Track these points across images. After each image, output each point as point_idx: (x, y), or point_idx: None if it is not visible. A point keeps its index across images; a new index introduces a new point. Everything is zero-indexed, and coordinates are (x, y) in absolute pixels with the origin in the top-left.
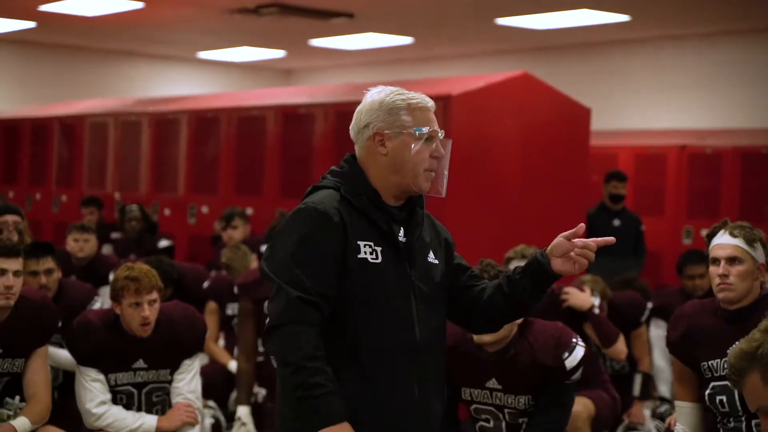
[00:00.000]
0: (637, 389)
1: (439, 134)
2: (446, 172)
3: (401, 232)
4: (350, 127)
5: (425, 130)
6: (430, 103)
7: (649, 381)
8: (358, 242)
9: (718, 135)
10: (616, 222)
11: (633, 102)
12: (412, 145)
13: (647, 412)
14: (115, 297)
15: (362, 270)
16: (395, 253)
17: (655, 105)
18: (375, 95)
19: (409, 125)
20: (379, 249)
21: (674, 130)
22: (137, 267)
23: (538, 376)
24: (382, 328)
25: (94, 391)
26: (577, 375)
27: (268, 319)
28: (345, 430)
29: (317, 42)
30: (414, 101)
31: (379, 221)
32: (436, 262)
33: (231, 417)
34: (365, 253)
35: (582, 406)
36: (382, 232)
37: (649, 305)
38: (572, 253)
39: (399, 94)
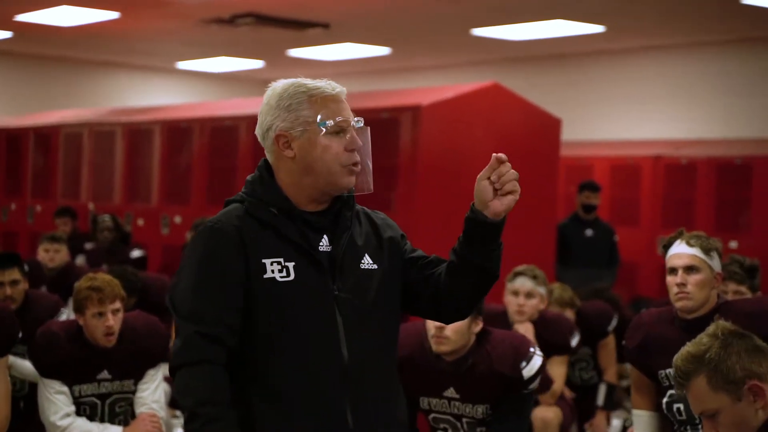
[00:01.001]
0: (601, 399)
1: (353, 123)
2: (370, 164)
3: (324, 241)
4: (255, 131)
5: (330, 122)
6: (338, 89)
7: (613, 391)
8: (263, 260)
9: (693, 145)
10: (589, 232)
11: (608, 112)
12: (320, 142)
13: (617, 423)
14: (78, 308)
15: (271, 291)
16: (314, 266)
17: (631, 115)
18: (273, 91)
19: (312, 120)
20: (291, 264)
21: (649, 141)
22: (99, 277)
23: (496, 386)
24: (301, 354)
25: (58, 404)
26: (534, 384)
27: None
28: None
29: (295, 52)
30: (316, 91)
31: (289, 233)
32: (374, 267)
33: None
34: (272, 271)
35: (553, 413)
36: (294, 244)
37: (616, 316)
38: (497, 187)
39: (298, 87)
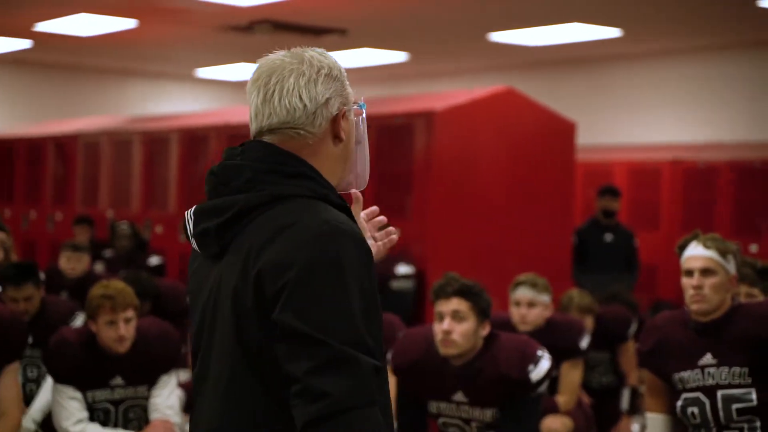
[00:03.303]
0: (624, 404)
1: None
2: None
3: None
4: (281, 108)
5: (365, 107)
6: None
7: (636, 395)
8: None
9: (712, 149)
10: (609, 237)
11: (627, 116)
12: (360, 127)
13: (636, 427)
14: (91, 315)
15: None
16: None
17: (649, 119)
18: (320, 65)
19: (352, 98)
20: None
21: (668, 145)
22: (113, 284)
23: (503, 389)
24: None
25: (70, 410)
26: (542, 388)
27: (315, 402)
28: None
29: None
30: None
31: None
32: None
33: None
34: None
35: (561, 423)
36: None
37: (635, 320)
38: (377, 237)
39: (332, 58)
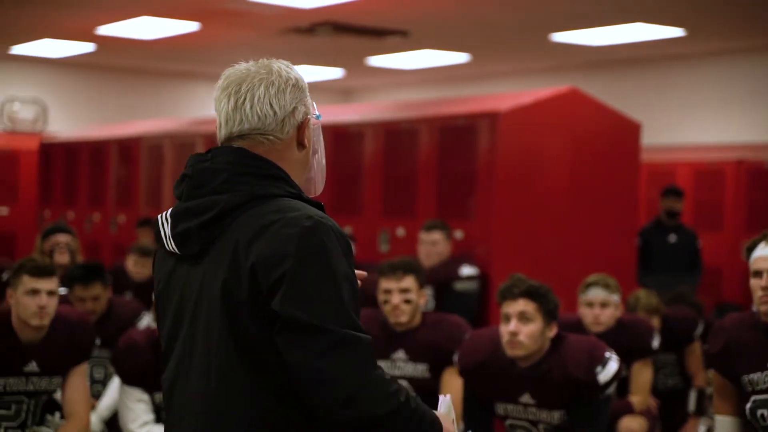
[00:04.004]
0: (692, 405)
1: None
2: None
3: None
4: (252, 115)
5: (320, 118)
6: None
7: (703, 397)
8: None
9: None
10: (672, 238)
11: (690, 116)
12: (316, 135)
13: (702, 429)
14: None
15: None
16: None
17: (713, 119)
18: (288, 76)
19: (312, 108)
20: None
21: (732, 145)
22: None
23: (571, 391)
24: None
25: (137, 412)
26: (610, 390)
27: (331, 388)
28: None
29: (374, 60)
30: None
31: None
32: None
33: None
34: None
35: (638, 423)
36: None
37: (702, 321)
38: None
39: (295, 69)
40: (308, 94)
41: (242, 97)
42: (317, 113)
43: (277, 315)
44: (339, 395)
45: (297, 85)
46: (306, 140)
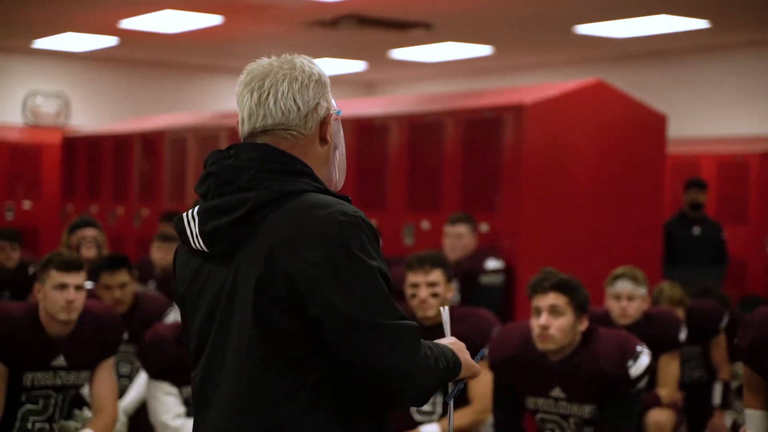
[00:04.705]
0: (717, 398)
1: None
2: None
3: None
4: (276, 110)
5: (340, 114)
6: None
7: (729, 390)
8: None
9: None
10: (696, 230)
11: (714, 108)
12: (339, 131)
13: (728, 422)
14: None
15: None
16: None
17: (737, 111)
18: (311, 72)
19: (334, 104)
20: None
21: (757, 137)
22: None
23: (602, 385)
24: None
25: (168, 404)
26: (642, 384)
27: (402, 377)
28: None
29: (397, 53)
30: None
31: None
32: None
33: None
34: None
35: (666, 416)
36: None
37: (727, 314)
38: None
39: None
40: (330, 89)
41: (266, 92)
42: (337, 109)
43: (318, 314)
44: (410, 384)
45: (320, 81)
46: (328, 135)
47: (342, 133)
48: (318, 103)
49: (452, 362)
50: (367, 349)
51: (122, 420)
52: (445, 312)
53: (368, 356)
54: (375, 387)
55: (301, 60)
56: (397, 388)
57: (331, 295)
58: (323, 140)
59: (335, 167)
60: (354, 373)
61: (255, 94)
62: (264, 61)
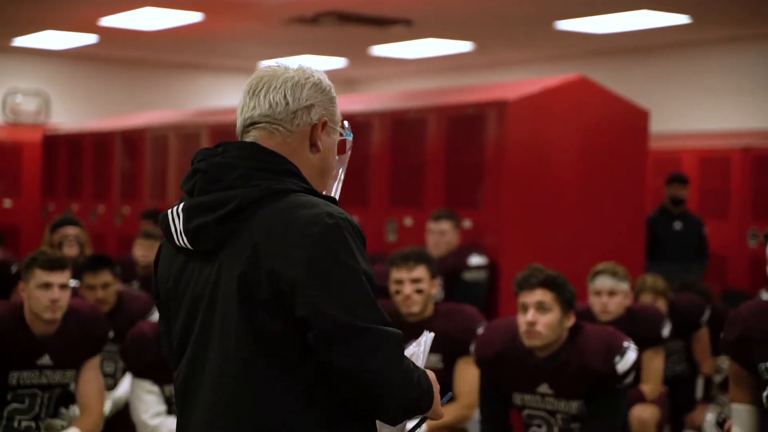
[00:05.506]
0: (699, 392)
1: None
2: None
3: None
4: (264, 102)
5: (350, 136)
6: None
7: (711, 384)
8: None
9: None
10: (678, 225)
11: (695, 104)
12: (339, 149)
13: (710, 416)
14: None
15: None
16: None
17: (718, 106)
18: (310, 76)
19: (339, 123)
20: None
21: (737, 132)
22: None
23: (589, 381)
24: None
25: (149, 403)
26: (629, 379)
27: (382, 383)
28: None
29: (377, 50)
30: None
31: None
32: None
33: None
34: None
35: (650, 412)
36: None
37: (708, 308)
38: None
39: (326, 79)
40: (336, 104)
41: (260, 87)
42: (348, 132)
43: (305, 315)
44: (388, 391)
45: (319, 86)
46: (319, 142)
47: (346, 159)
48: (312, 106)
49: (429, 390)
50: (349, 352)
51: (109, 411)
52: (428, 337)
53: (350, 359)
54: (355, 392)
55: (311, 69)
56: (378, 393)
57: (316, 296)
58: (314, 146)
59: (336, 183)
60: (336, 376)
61: (251, 89)
62: (277, 65)
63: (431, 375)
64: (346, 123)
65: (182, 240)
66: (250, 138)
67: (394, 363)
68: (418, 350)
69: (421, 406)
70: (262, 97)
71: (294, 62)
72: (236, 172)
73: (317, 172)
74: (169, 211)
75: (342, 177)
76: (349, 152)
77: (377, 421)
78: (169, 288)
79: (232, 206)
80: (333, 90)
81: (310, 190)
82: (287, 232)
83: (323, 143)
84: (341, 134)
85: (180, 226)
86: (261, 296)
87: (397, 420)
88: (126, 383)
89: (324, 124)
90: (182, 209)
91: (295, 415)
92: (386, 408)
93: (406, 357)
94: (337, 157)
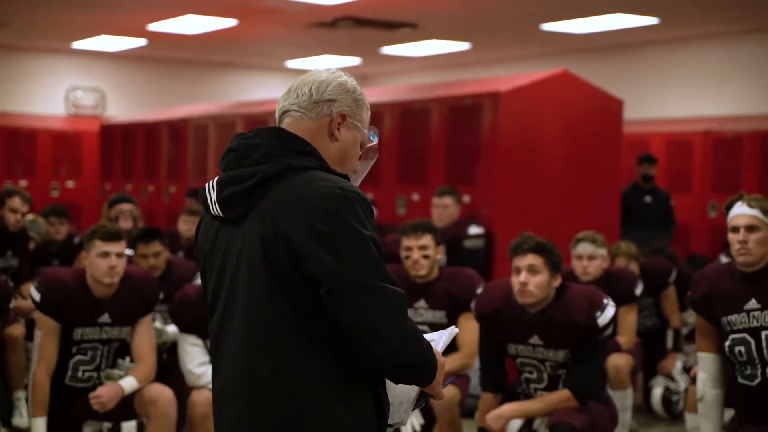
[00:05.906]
0: (669, 343)
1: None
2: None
3: None
4: (294, 95)
5: (376, 139)
6: None
7: (679, 336)
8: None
9: (739, 121)
10: (648, 198)
11: (663, 94)
12: (358, 146)
13: (678, 364)
14: None
15: None
16: None
17: (683, 96)
18: (339, 77)
19: (366, 125)
20: None
21: (699, 118)
22: None
23: (574, 333)
24: None
25: (193, 354)
26: (608, 331)
27: (382, 337)
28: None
29: (387, 50)
30: (367, 101)
31: None
32: None
33: None
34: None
35: (624, 360)
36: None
37: (675, 269)
38: None
39: (359, 87)
40: (362, 107)
41: (295, 85)
42: (372, 134)
43: (315, 272)
44: (388, 346)
45: (344, 86)
46: (337, 132)
47: (369, 165)
48: (334, 100)
49: (432, 361)
50: (354, 306)
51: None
52: (452, 331)
53: (355, 312)
54: (359, 345)
55: (343, 73)
56: (377, 346)
57: (324, 255)
58: (332, 136)
59: (358, 174)
60: (344, 330)
61: (290, 88)
62: (315, 70)
63: (440, 358)
64: (374, 128)
65: (216, 208)
66: (283, 125)
67: (396, 319)
68: (439, 339)
69: (423, 375)
70: (292, 91)
71: (334, 69)
72: (261, 151)
73: (335, 160)
74: (207, 184)
75: (362, 178)
76: (373, 161)
77: (388, 390)
78: (206, 250)
79: (256, 179)
80: (361, 94)
81: (326, 169)
82: (301, 201)
83: (341, 135)
84: (368, 137)
85: (214, 196)
86: (279, 256)
87: (397, 378)
88: (173, 326)
89: (343, 117)
90: (216, 182)
91: (315, 355)
92: (385, 362)
93: (409, 318)
94: (359, 160)
